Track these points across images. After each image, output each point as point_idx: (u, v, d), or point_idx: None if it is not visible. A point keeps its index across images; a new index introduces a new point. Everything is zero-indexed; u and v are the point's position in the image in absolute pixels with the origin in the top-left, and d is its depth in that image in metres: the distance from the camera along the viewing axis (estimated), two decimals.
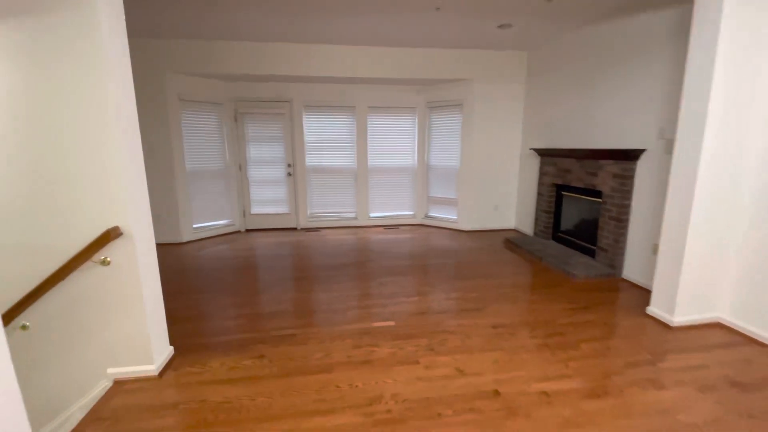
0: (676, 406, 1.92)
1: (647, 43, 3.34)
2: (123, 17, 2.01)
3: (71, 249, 1.96)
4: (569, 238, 4.54)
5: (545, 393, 2.01)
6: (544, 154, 4.81)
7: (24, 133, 1.89)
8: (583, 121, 4.19)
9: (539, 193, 5.00)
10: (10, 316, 1.95)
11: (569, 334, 2.64)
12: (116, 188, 1.98)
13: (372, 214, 6.10)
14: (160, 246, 4.90)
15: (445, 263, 4.22)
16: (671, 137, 3.08)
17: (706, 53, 2.42)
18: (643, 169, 3.42)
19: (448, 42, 4.84)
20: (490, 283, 3.59)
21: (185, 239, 5.13)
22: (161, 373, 2.22)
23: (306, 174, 5.78)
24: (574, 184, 4.25)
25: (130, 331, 2.14)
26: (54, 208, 1.95)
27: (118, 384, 2.14)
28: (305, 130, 5.65)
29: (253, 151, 5.65)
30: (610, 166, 3.68)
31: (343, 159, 5.86)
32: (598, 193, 3.95)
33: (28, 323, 2.04)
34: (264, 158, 5.69)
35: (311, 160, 5.77)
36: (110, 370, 2.17)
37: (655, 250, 3.28)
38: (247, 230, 5.81)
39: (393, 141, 5.92)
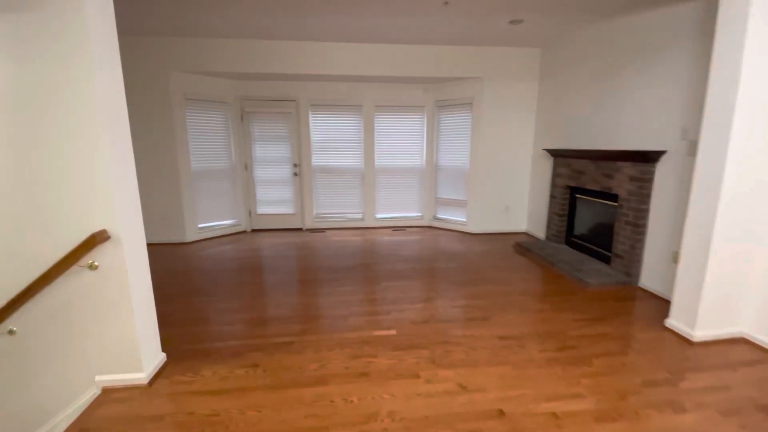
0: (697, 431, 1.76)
1: (668, 37, 3.14)
2: (112, 12, 1.93)
3: (57, 253, 1.89)
4: (583, 243, 4.34)
5: (554, 414, 1.86)
6: (557, 154, 4.62)
7: (5, 132, 1.82)
8: (599, 120, 4.00)
9: (552, 196, 4.81)
10: None
11: (582, 347, 2.48)
12: (104, 190, 1.90)
13: (379, 216, 5.98)
14: (164, 246, 4.88)
15: (453, 267, 4.07)
16: (694, 138, 2.89)
17: (733, 48, 2.23)
18: (662, 171, 3.23)
19: (458, 39, 4.68)
20: (499, 290, 3.44)
21: (190, 239, 5.09)
22: (151, 382, 2.15)
23: (312, 174, 5.69)
24: (589, 186, 4.06)
25: (119, 337, 2.07)
26: (38, 211, 1.88)
27: (107, 392, 2.07)
28: (311, 130, 5.56)
29: (259, 151, 5.58)
30: (628, 169, 3.48)
31: (350, 159, 5.75)
32: (614, 197, 3.76)
33: (15, 328, 1.98)
34: (270, 158, 5.62)
35: (317, 159, 5.68)
36: (99, 378, 2.10)
37: (675, 258, 3.08)
38: (253, 230, 5.75)
39: (401, 140, 5.78)
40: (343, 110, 5.58)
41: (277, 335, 2.65)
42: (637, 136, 3.49)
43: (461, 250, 4.73)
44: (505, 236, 5.43)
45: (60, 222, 1.90)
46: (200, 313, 3.01)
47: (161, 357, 2.31)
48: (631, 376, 2.18)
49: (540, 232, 5.22)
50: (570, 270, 3.73)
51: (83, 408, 1.98)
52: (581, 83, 4.29)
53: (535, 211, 5.39)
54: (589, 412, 1.88)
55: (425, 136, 5.79)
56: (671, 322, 2.72)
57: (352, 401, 1.96)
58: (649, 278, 3.41)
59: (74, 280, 1.97)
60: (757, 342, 2.53)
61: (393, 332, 2.68)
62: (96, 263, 1.95)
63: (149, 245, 4.80)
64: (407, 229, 5.89)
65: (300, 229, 5.80)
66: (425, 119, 5.73)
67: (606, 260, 3.88)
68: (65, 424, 1.88)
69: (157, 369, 2.23)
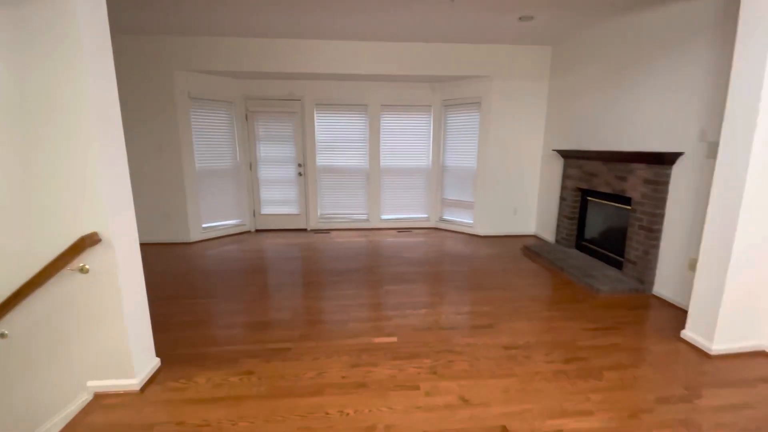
0: None
1: (686, 32, 2.99)
2: (104, 8, 1.87)
3: (48, 256, 1.84)
4: (594, 247, 4.20)
5: None
6: (568, 155, 4.48)
7: None
8: (612, 120, 3.85)
9: (562, 198, 4.66)
10: None
11: (591, 359, 2.36)
12: (95, 192, 1.85)
13: (384, 217, 5.89)
14: (167, 246, 4.86)
15: (458, 271, 3.97)
16: (715, 140, 2.74)
17: (758, 40, 2.08)
18: (679, 174, 3.08)
19: (465, 36, 4.57)
20: (505, 296, 3.32)
21: (193, 239, 5.06)
22: (144, 388, 2.09)
23: (317, 174, 5.63)
24: (601, 189, 3.92)
25: (110, 342, 2.01)
26: (27, 213, 1.83)
27: (98, 398, 2.02)
28: (316, 129, 5.50)
29: (264, 151, 5.53)
30: (642, 171, 3.34)
31: (355, 159, 5.66)
32: (627, 200, 3.61)
33: (6, 331, 1.94)
34: (274, 158, 5.57)
35: (322, 159, 5.61)
36: (90, 383, 2.05)
37: (692, 265, 2.93)
38: (257, 231, 5.71)
39: (407, 140, 5.68)
40: (348, 109, 5.50)
41: (275, 340, 2.58)
42: (651, 136, 3.34)
43: (467, 253, 4.61)
44: (513, 239, 5.30)
45: (50, 224, 1.85)
46: (199, 316, 2.95)
47: (155, 362, 2.26)
48: (644, 391, 2.06)
49: (549, 235, 5.08)
50: (580, 275, 3.60)
51: (74, 414, 1.93)
52: (593, 82, 4.14)
53: (544, 214, 5.24)
54: (598, 431, 1.77)
55: (432, 135, 5.68)
56: (687, 333, 2.58)
57: (348, 414, 1.88)
58: (663, 286, 3.26)
59: (65, 284, 1.92)
60: None
61: (394, 339, 2.59)
62: (87, 266, 1.90)
63: (152, 245, 4.85)
64: (413, 230, 5.79)
65: (304, 230, 5.74)
66: (432, 119, 5.62)
67: (618, 266, 3.74)
68: (55, 431, 1.83)
69: (151, 374, 2.18)
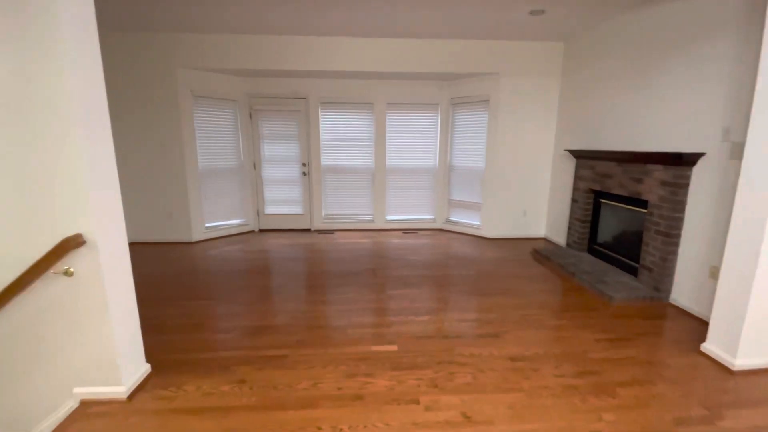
0: None
1: (708, 26, 2.81)
2: (91, 5, 1.79)
3: (30, 259, 1.77)
4: (607, 252, 4.02)
5: None
6: (580, 156, 4.30)
7: None
8: (627, 119, 3.67)
9: (574, 200, 4.49)
10: None
11: (604, 373, 2.21)
12: (79, 192, 1.76)
13: (389, 217, 5.77)
14: (169, 245, 4.81)
15: (464, 275, 3.83)
16: (739, 139, 2.56)
17: None
18: (700, 176, 2.90)
19: (474, 32, 4.42)
20: (513, 302, 3.18)
21: (196, 239, 5.01)
22: (131, 395, 2.01)
23: (321, 174, 5.53)
24: (615, 191, 3.74)
25: (96, 348, 1.94)
26: (8, 214, 1.76)
27: (84, 406, 1.94)
28: (321, 128, 5.40)
29: (268, 150, 5.46)
30: (659, 172, 3.16)
31: (360, 158, 5.55)
32: (643, 203, 3.43)
33: None
34: (279, 157, 5.49)
35: (327, 159, 5.51)
36: (77, 390, 1.97)
37: (713, 273, 2.76)
38: (261, 230, 5.64)
39: (413, 140, 5.55)
40: (353, 108, 5.39)
41: (270, 347, 2.48)
42: (670, 136, 3.16)
43: (474, 256, 4.47)
44: (522, 242, 5.13)
45: (32, 226, 1.77)
46: (195, 319, 2.87)
47: (145, 368, 2.17)
48: (661, 410, 1.90)
49: (560, 239, 4.91)
50: (592, 281, 3.43)
51: (59, 422, 1.85)
52: (608, 79, 3.96)
53: (554, 216, 5.07)
54: None
55: (439, 135, 5.54)
56: (708, 346, 2.41)
57: (341, 429, 1.77)
58: (681, 294, 3.08)
59: (50, 287, 1.84)
60: None
61: (394, 348, 2.47)
62: (71, 269, 1.82)
63: (153, 244, 4.81)
64: (418, 231, 5.66)
65: (308, 230, 5.65)
66: (439, 117, 5.48)
67: (633, 272, 3.56)
68: None
69: (139, 381, 2.10)
